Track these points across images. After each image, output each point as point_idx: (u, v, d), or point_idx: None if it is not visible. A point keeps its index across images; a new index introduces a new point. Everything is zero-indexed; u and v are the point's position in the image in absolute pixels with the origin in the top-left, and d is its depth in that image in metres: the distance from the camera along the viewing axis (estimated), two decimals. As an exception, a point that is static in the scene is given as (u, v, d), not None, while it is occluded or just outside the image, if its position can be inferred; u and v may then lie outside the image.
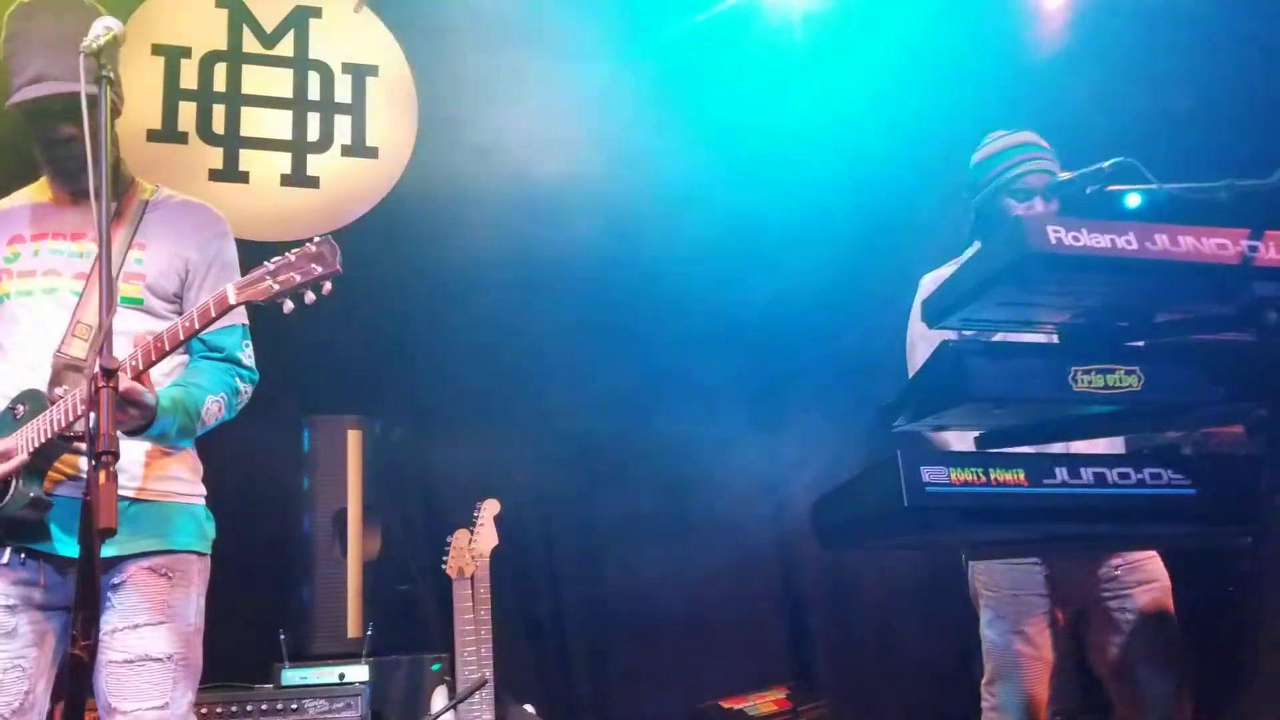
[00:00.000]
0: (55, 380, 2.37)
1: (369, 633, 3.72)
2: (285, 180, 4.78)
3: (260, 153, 4.79)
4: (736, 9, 5.32)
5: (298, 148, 4.83)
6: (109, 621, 2.37)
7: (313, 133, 4.87)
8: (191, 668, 2.45)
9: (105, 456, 1.63)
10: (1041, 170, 3.02)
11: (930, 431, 2.85)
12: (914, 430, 2.29)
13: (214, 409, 2.48)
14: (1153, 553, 2.95)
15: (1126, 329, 2.11)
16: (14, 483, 2.29)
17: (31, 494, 2.29)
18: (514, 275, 4.73)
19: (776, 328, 5.34)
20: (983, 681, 3.04)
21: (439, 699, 3.63)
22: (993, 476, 1.98)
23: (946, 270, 3.15)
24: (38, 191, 2.61)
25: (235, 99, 4.79)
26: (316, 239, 2.22)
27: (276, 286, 2.16)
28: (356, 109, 4.94)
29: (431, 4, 5.07)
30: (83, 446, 2.33)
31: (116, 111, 2.44)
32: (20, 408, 2.35)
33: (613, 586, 4.96)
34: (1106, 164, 2.53)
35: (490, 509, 3.87)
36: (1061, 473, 2.02)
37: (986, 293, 1.94)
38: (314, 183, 4.82)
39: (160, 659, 2.38)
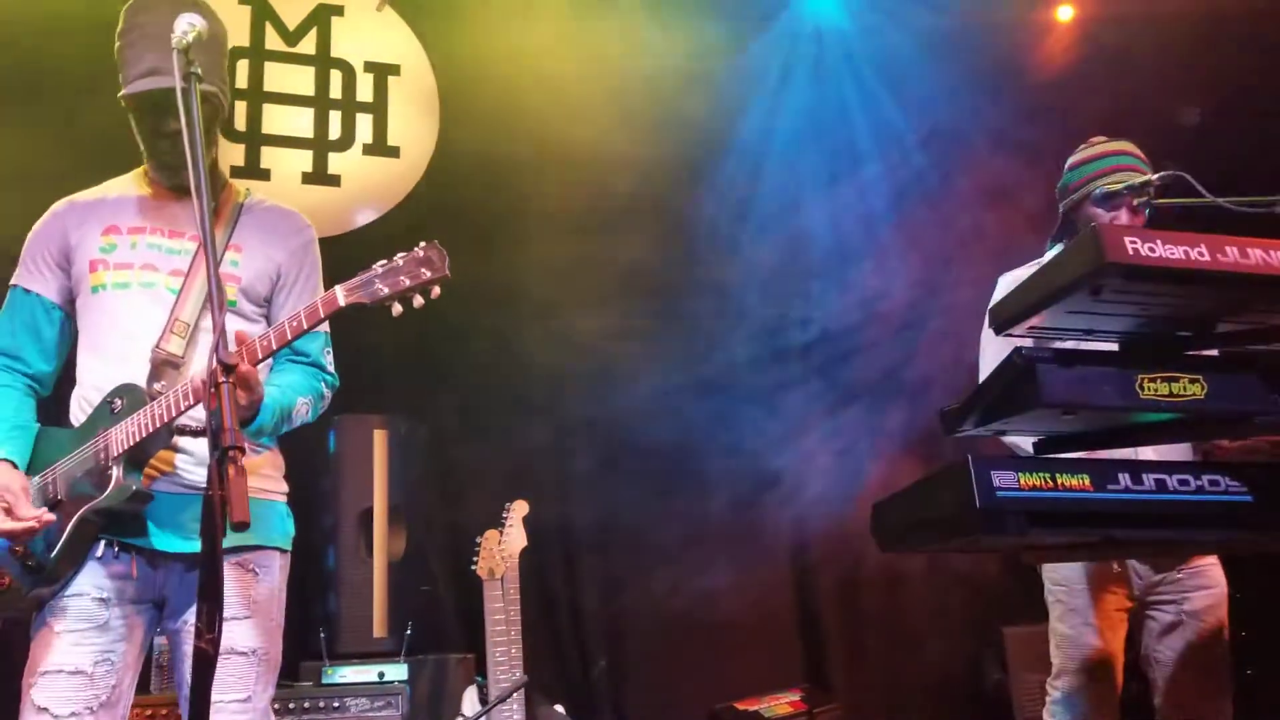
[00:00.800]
0: (154, 376, 2.37)
1: (409, 632, 3.73)
2: (306, 178, 4.79)
3: (282, 150, 4.79)
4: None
5: (319, 146, 4.84)
6: (194, 615, 2.34)
7: (334, 131, 4.88)
8: (273, 663, 2.46)
9: (233, 451, 1.64)
10: (1129, 184, 3.02)
11: (986, 435, 2.89)
12: (973, 435, 2.34)
13: (303, 410, 2.51)
14: (1214, 559, 3.00)
15: (1188, 338, 2.15)
16: (114, 476, 2.30)
17: (135, 487, 2.30)
18: (539, 276, 4.75)
19: (800, 332, 5.40)
20: (1050, 677, 3.06)
21: (469, 698, 3.64)
22: (1059, 481, 2.01)
23: (1025, 271, 3.16)
24: (134, 183, 2.60)
25: (258, 96, 4.80)
26: (423, 244, 2.25)
27: (386, 290, 2.19)
28: (378, 108, 4.96)
29: (453, 4, 5.08)
30: (181, 441, 2.38)
31: (219, 111, 2.47)
32: (118, 401, 2.36)
33: (632, 589, 4.99)
34: (1155, 176, 2.57)
35: (519, 510, 3.88)
36: (1125, 479, 2.05)
37: (1058, 301, 1.97)
38: (335, 181, 4.83)
39: (245, 653, 2.38)
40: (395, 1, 5.04)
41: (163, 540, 2.37)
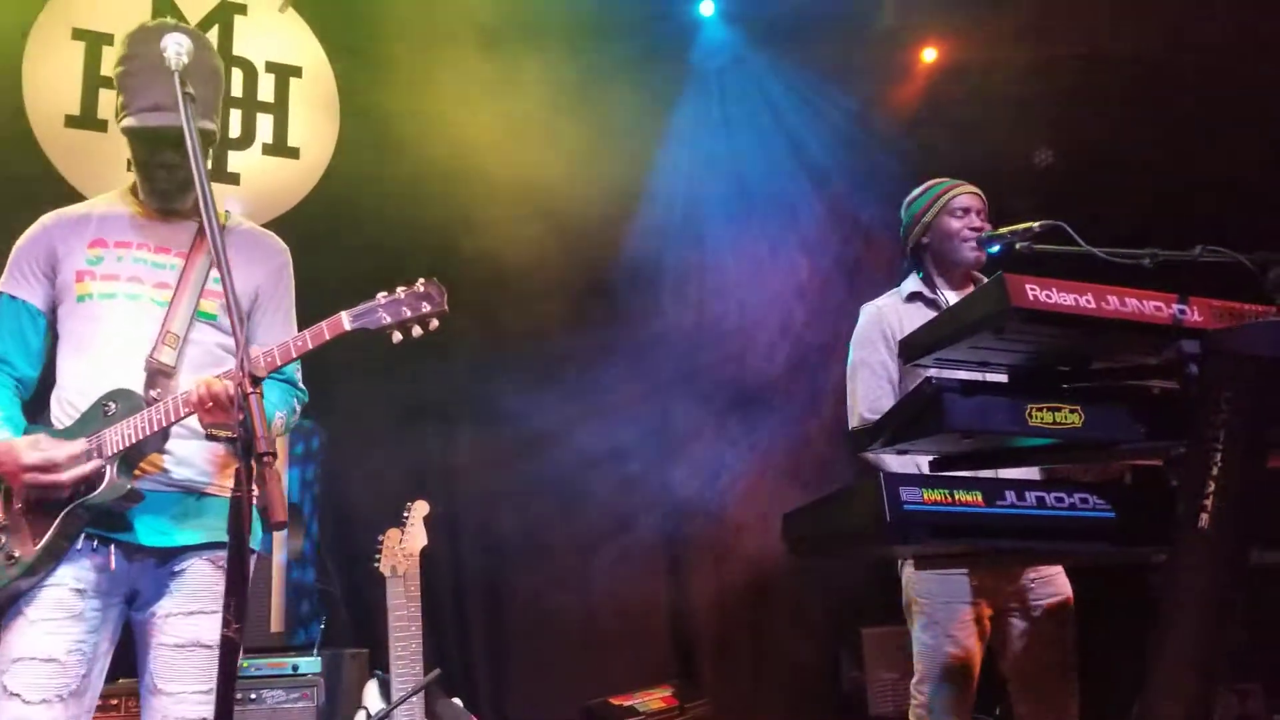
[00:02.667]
0: (150, 383, 2.49)
1: (322, 626, 3.80)
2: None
3: (181, 146, 4.76)
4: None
5: (219, 144, 4.80)
6: (164, 606, 2.49)
7: (235, 129, 4.88)
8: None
9: (267, 457, 1.76)
10: (972, 192, 3.49)
11: (880, 454, 3.17)
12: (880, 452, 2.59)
13: (278, 424, 2.65)
14: (1059, 568, 3.31)
15: (1068, 373, 2.45)
16: (108, 475, 2.40)
17: (128, 486, 2.41)
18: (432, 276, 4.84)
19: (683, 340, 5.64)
20: (913, 681, 3.32)
21: (370, 691, 3.74)
22: (956, 497, 2.28)
23: (885, 300, 3.49)
24: (121, 200, 2.70)
25: (157, 90, 4.75)
26: (422, 280, 2.48)
27: (387, 319, 2.42)
28: (279, 108, 4.98)
29: (355, 7, 5.15)
30: (168, 444, 2.47)
31: (212, 141, 2.61)
32: (112, 405, 2.45)
33: (513, 588, 5.14)
34: (1037, 224, 2.88)
35: (420, 510, 3.99)
36: (1010, 495, 2.33)
37: (965, 337, 2.24)
38: (234, 179, 4.85)
39: (210, 646, 2.46)
40: (298, 3, 5.07)
41: (145, 535, 2.47)
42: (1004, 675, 3.34)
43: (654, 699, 5.02)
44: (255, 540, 2.63)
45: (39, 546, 2.37)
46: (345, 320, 2.42)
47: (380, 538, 3.89)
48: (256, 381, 1.87)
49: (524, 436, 5.13)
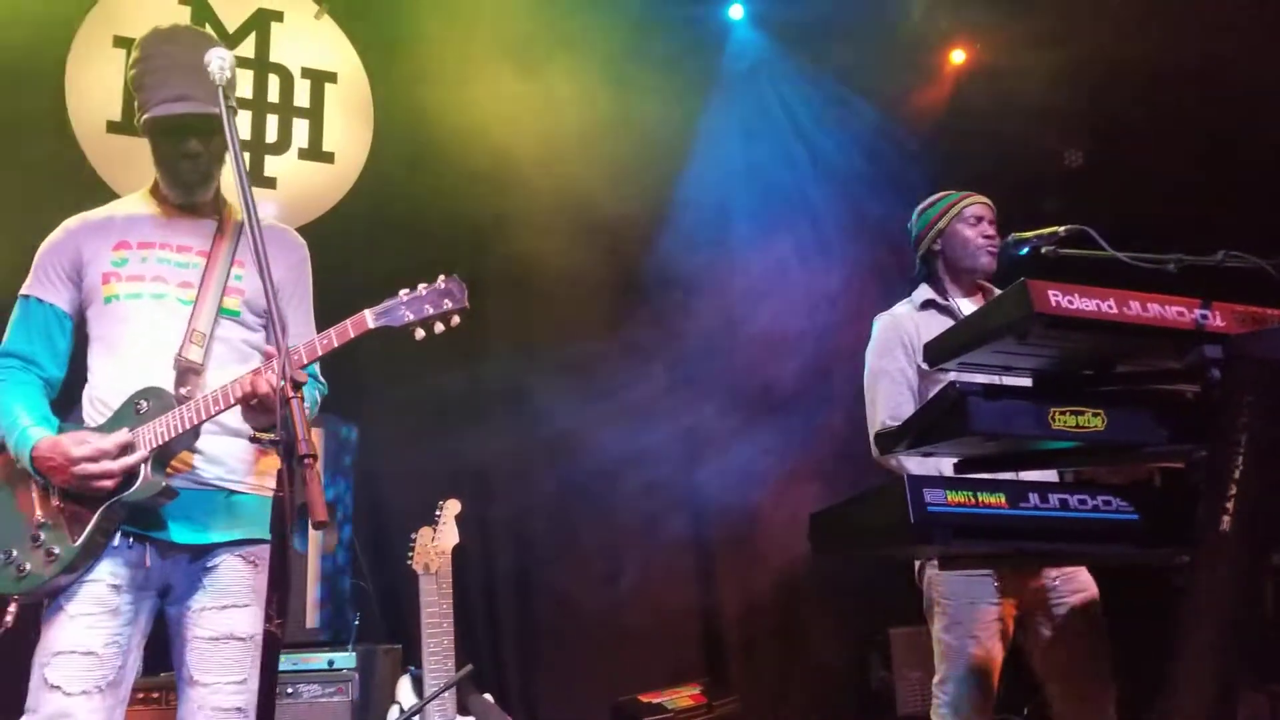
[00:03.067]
0: (180, 381, 2.55)
1: (356, 623, 3.88)
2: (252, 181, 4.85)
3: (218, 151, 4.86)
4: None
5: (256, 148, 4.92)
6: (199, 601, 2.56)
7: (271, 134, 4.97)
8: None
9: (308, 459, 1.82)
10: (982, 201, 3.54)
11: (902, 458, 3.22)
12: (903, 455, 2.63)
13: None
14: (1082, 566, 3.34)
15: (1090, 376, 2.48)
16: (143, 472, 2.45)
17: (164, 483, 2.47)
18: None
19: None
20: (934, 681, 3.35)
21: (404, 687, 3.81)
22: (980, 499, 2.32)
23: (900, 309, 3.54)
24: (143, 202, 2.76)
25: (195, 96, 4.84)
26: (443, 277, 2.53)
27: (410, 316, 2.47)
28: (314, 114, 5.07)
29: (390, 15, 5.23)
30: (198, 443, 2.55)
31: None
32: (144, 403, 2.51)
33: (543, 587, 5.21)
34: (1062, 229, 2.91)
35: (452, 508, 4.06)
36: (1034, 497, 2.37)
37: (988, 342, 2.28)
38: (271, 183, 4.93)
39: (244, 639, 2.54)
40: (334, 11, 5.15)
41: (179, 533, 2.54)
42: (1039, 676, 3.36)
43: (682, 697, 5.06)
44: (269, 532, 2.67)
45: (78, 543, 2.43)
46: (369, 318, 2.47)
47: (413, 536, 3.96)
48: (298, 385, 1.93)
49: (555, 436, 5.20)
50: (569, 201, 5.17)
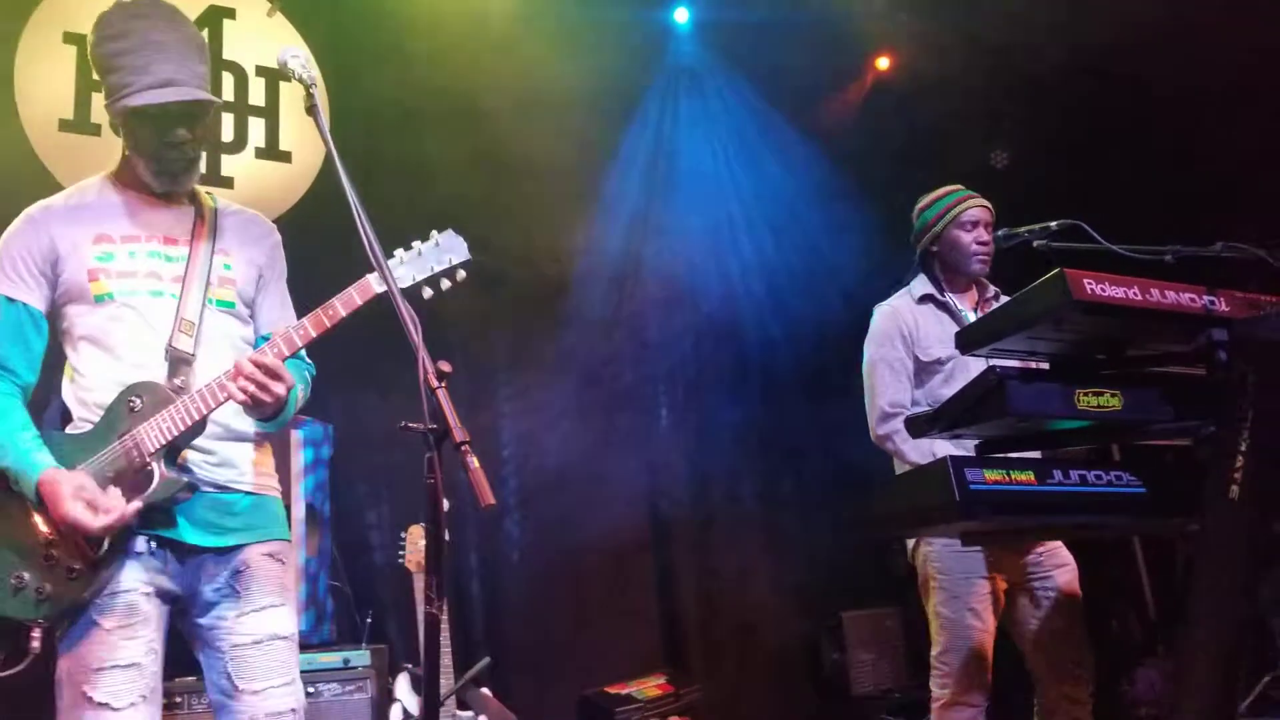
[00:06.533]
0: (173, 373, 2.44)
1: (369, 621, 3.86)
2: (200, 179, 4.76)
3: (174, 150, 4.77)
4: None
5: (211, 147, 4.83)
6: (232, 607, 2.46)
7: (228, 133, 4.90)
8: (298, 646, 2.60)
9: (464, 445, 1.85)
10: (982, 205, 3.70)
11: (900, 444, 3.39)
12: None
13: (299, 399, 2.63)
14: (1059, 541, 3.54)
15: (1103, 360, 2.66)
16: (157, 471, 2.36)
17: (183, 479, 2.38)
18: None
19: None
20: (934, 653, 3.51)
21: (402, 685, 3.81)
22: (1013, 476, 2.48)
23: (898, 301, 3.70)
24: (109, 187, 2.59)
25: (149, 94, 4.75)
26: (436, 232, 2.46)
27: (416, 276, 2.40)
28: (270, 112, 5.01)
29: (341, 11, 5.21)
30: (200, 441, 2.46)
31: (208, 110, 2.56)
32: (137, 400, 2.40)
33: (510, 582, 5.26)
34: (1054, 223, 3.09)
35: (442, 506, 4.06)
36: (1058, 474, 2.54)
37: (1026, 328, 2.43)
38: (228, 183, 4.84)
39: (286, 637, 2.51)
40: (286, 8, 5.10)
41: (200, 536, 2.45)
42: (1020, 645, 3.55)
43: (650, 687, 5.16)
44: (286, 533, 2.66)
45: (98, 556, 2.33)
46: (373, 283, 2.38)
47: (403, 535, 3.96)
48: (443, 376, 1.95)
49: (518, 435, 5.26)
50: (538, 199, 5.25)
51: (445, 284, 2.46)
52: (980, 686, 3.41)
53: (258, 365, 2.35)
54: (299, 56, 2.32)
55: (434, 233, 2.49)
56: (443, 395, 1.93)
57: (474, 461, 1.84)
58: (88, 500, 2.30)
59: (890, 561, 5.41)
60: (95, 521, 2.29)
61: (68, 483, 2.32)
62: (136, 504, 2.33)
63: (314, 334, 2.41)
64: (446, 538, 3.90)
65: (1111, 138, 5.64)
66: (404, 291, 2.36)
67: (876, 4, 6.20)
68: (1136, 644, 5.50)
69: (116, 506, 2.31)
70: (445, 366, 2.00)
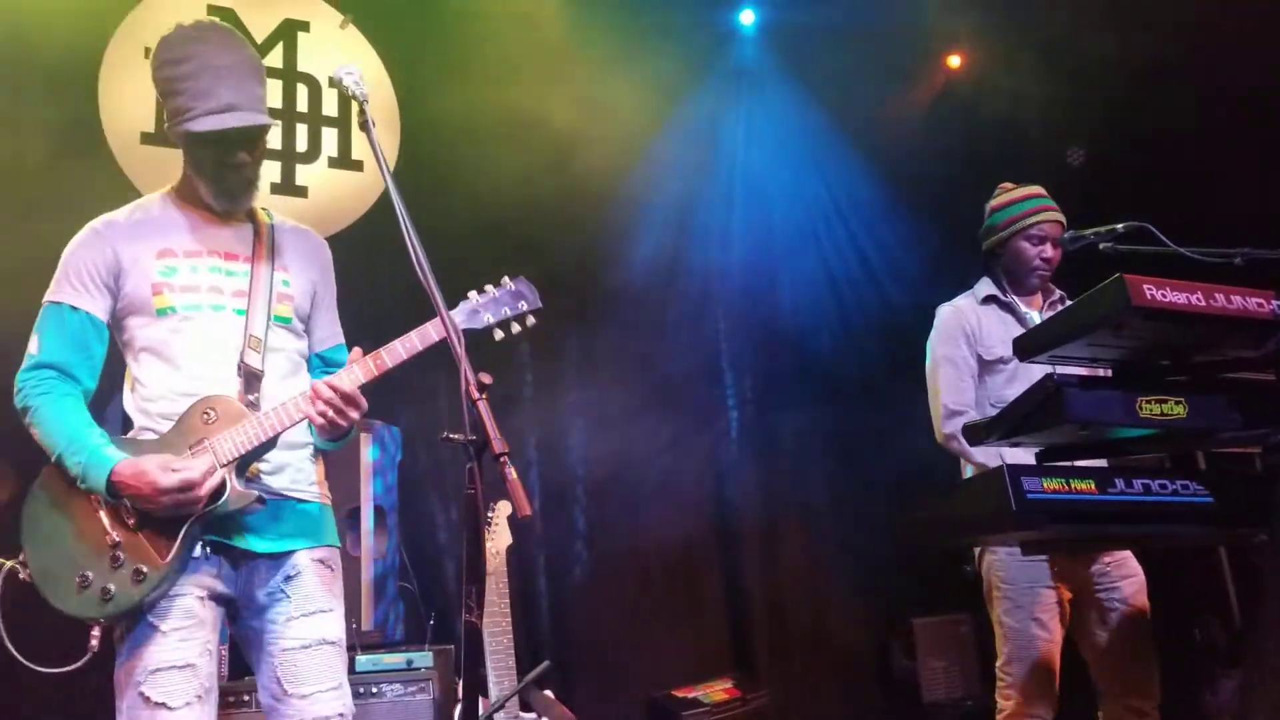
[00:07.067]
0: (246, 389, 2.53)
1: (432, 623, 3.93)
2: (275, 189, 4.90)
3: (250, 160, 4.90)
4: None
5: (287, 157, 4.95)
6: (284, 611, 2.53)
7: (301, 143, 5.01)
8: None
9: (503, 457, 1.90)
10: (1053, 220, 3.59)
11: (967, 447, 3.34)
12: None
13: None
14: (1129, 552, 3.47)
15: (1168, 366, 2.60)
16: (229, 483, 2.43)
17: (255, 492, 2.46)
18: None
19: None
20: (999, 663, 3.46)
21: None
22: (1072, 485, 2.43)
23: (962, 301, 3.66)
24: (171, 204, 2.67)
25: (226, 107, 4.88)
26: (508, 278, 2.58)
27: (490, 319, 2.52)
28: (342, 122, 5.11)
29: (413, 23, 5.28)
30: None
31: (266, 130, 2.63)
32: (211, 412, 2.47)
33: (578, 586, 5.30)
34: (1120, 226, 3.03)
35: (504, 509, 4.11)
36: (1120, 482, 2.49)
37: (1085, 334, 2.39)
38: (302, 192, 4.96)
39: (335, 642, 2.57)
40: (359, 20, 5.20)
41: (257, 542, 2.52)
42: (1085, 656, 3.48)
43: (716, 691, 5.15)
44: (336, 539, 2.71)
45: (167, 560, 2.38)
46: (439, 325, 2.43)
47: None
48: (484, 388, 2.00)
49: (585, 438, 5.29)
50: (595, 207, 5.26)
51: (516, 329, 2.59)
52: (1045, 698, 3.36)
53: (336, 390, 2.43)
54: (353, 74, 2.40)
55: (507, 279, 2.61)
56: (483, 406, 1.97)
57: (512, 473, 1.86)
58: (181, 477, 2.37)
59: (962, 568, 5.32)
60: (204, 481, 2.38)
61: (151, 460, 2.40)
62: (221, 473, 2.42)
63: (390, 364, 2.49)
64: (510, 541, 4.04)
65: (1187, 137, 5.51)
66: (478, 333, 2.52)
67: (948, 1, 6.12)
68: (1220, 653, 5.35)
69: (209, 469, 2.40)
70: (486, 378, 2.04)
